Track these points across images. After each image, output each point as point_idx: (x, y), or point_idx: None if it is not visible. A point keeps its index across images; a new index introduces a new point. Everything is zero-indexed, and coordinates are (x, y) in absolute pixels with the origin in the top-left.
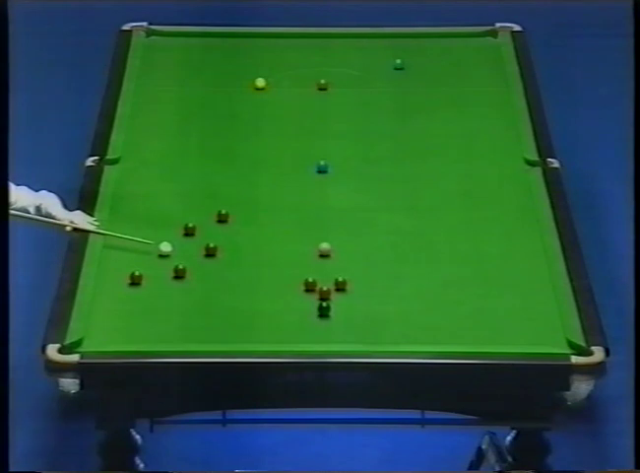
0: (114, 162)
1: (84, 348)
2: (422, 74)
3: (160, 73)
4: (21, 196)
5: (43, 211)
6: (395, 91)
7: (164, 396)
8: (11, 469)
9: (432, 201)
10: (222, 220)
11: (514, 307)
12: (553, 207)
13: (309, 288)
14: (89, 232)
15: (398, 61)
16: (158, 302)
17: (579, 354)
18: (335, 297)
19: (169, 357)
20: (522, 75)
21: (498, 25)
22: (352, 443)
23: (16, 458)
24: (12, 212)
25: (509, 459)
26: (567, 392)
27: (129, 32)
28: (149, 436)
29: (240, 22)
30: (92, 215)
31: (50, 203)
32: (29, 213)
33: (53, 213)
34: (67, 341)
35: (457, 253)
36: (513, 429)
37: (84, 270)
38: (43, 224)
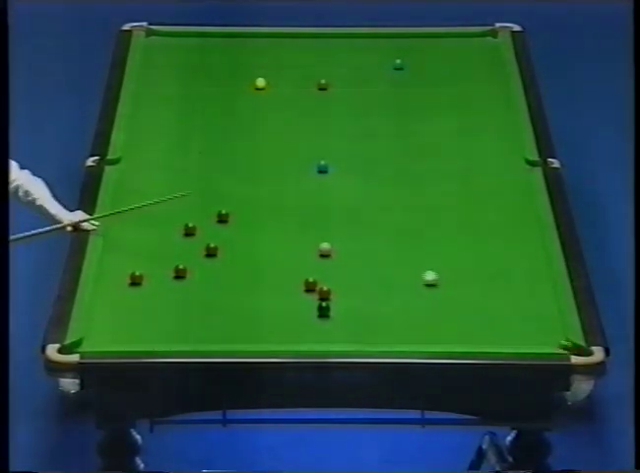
0: (115, 162)
1: (84, 348)
2: (422, 74)
3: (159, 73)
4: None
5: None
6: (395, 91)
7: (164, 396)
8: (11, 469)
9: (432, 201)
10: (222, 220)
11: (514, 307)
12: (554, 207)
13: (309, 288)
14: (89, 231)
15: (398, 61)
16: (158, 302)
17: (579, 354)
18: (335, 297)
19: (169, 357)
20: (522, 75)
21: (498, 25)
22: (352, 443)
23: (16, 458)
24: (12, 238)
25: (509, 459)
26: (567, 392)
27: (129, 32)
28: (149, 436)
29: (240, 22)
30: (92, 215)
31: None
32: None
33: (32, 191)
34: (67, 341)
35: (457, 253)
36: (513, 429)
37: (84, 270)
38: (44, 222)
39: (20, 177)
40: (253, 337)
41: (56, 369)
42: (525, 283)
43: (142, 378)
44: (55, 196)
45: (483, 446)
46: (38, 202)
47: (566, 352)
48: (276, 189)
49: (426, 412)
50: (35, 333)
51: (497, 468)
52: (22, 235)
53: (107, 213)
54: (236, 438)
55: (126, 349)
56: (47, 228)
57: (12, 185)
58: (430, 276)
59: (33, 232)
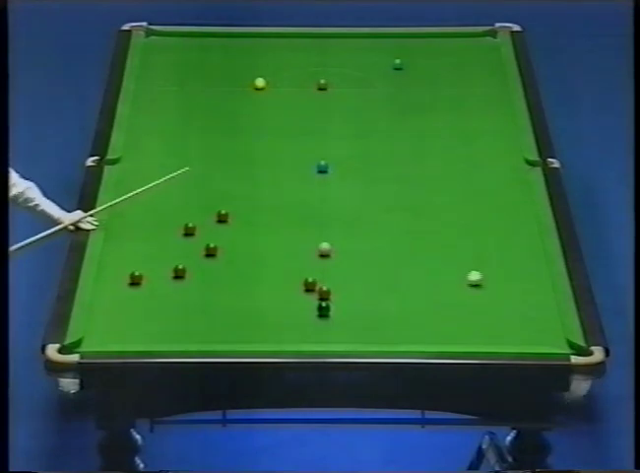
0: (114, 162)
1: (83, 348)
2: (422, 74)
3: (159, 73)
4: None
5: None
6: (395, 91)
7: (164, 396)
8: (11, 469)
9: (432, 201)
10: (222, 220)
11: (514, 307)
12: (553, 207)
13: (309, 288)
14: (89, 231)
15: (397, 61)
16: (158, 302)
17: (579, 354)
18: (335, 297)
19: (169, 357)
20: (521, 75)
21: (498, 25)
22: (353, 443)
23: (16, 458)
24: (16, 247)
25: (509, 459)
26: (567, 392)
27: (129, 32)
28: (149, 436)
29: (240, 22)
30: (92, 215)
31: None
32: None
33: (32, 197)
34: (67, 341)
35: (457, 253)
36: (513, 429)
37: (84, 270)
38: (44, 222)
39: (17, 184)
40: (253, 337)
41: (56, 369)
42: (524, 283)
43: (142, 378)
44: (48, 197)
45: (483, 446)
46: (40, 208)
47: (566, 352)
48: (275, 189)
49: (426, 412)
50: (35, 333)
51: (497, 468)
52: (25, 242)
53: (107, 204)
54: (236, 438)
55: (126, 349)
56: (49, 230)
57: (11, 194)
58: (475, 276)
59: (36, 237)
